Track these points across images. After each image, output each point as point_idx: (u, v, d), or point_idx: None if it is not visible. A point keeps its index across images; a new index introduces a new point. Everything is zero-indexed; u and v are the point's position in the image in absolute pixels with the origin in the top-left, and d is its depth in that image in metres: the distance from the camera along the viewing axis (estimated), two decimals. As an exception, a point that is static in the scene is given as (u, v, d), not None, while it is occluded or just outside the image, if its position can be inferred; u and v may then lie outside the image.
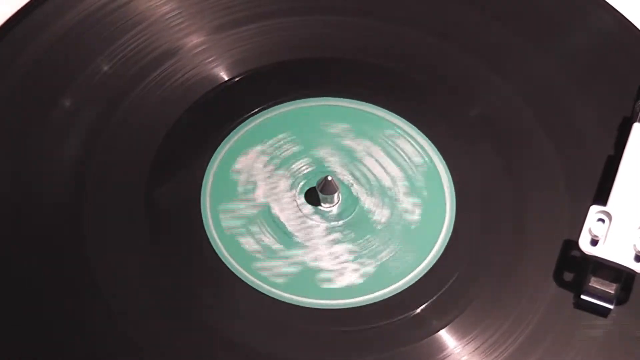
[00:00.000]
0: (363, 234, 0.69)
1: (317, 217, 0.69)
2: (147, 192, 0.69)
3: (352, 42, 0.75)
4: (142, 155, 0.70)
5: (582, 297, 0.65)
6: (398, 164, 0.71)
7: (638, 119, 0.69)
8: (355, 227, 0.69)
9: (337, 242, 0.68)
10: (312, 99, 0.73)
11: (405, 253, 0.68)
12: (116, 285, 0.65)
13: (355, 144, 0.72)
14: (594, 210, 0.65)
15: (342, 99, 0.73)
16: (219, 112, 0.72)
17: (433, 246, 0.68)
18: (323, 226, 0.69)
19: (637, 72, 0.73)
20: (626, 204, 0.65)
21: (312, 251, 0.68)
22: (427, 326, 0.65)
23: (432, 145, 0.72)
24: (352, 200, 0.70)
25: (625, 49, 0.75)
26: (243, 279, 0.66)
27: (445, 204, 0.70)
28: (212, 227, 0.68)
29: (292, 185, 0.70)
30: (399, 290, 0.66)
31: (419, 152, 0.72)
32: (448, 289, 0.66)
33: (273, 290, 0.66)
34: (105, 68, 0.73)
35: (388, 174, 0.71)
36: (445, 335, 0.64)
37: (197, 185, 0.69)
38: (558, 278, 0.66)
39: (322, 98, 0.73)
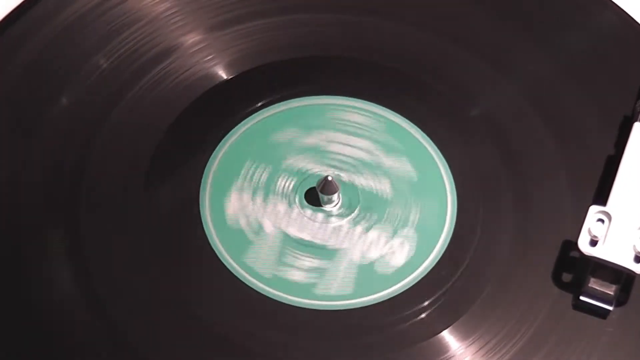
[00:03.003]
0: (382, 209, 0.68)
1: (334, 219, 0.67)
2: (145, 191, 0.67)
3: (348, 40, 0.74)
4: (140, 154, 0.69)
5: (581, 298, 0.65)
6: (360, 136, 0.71)
7: (639, 118, 0.68)
8: (371, 208, 0.68)
9: (368, 229, 0.67)
10: (257, 113, 0.72)
11: (428, 205, 0.68)
12: (115, 285, 0.64)
13: (312, 140, 0.70)
14: (594, 211, 0.64)
15: (286, 102, 0.72)
16: (219, 111, 0.71)
17: (445, 191, 0.68)
18: (345, 223, 0.67)
19: (638, 71, 0.73)
20: (626, 204, 0.64)
21: (353, 250, 0.66)
22: (429, 327, 0.64)
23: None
24: (350, 188, 0.69)
25: (626, 48, 0.74)
26: (310, 307, 0.64)
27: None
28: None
29: (291, 204, 0.68)
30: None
31: (368, 116, 0.71)
32: (449, 290, 0.65)
33: (345, 302, 0.64)
34: (103, 66, 0.72)
35: (360, 148, 0.70)
36: (448, 337, 0.64)
37: (196, 185, 0.68)
38: (557, 279, 0.66)
39: (265, 109, 0.72)
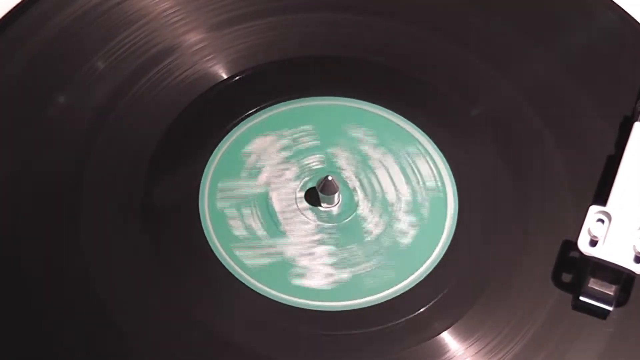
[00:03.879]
0: (350, 241, 0.67)
1: (310, 215, 0.68)
2: (145, 191, 0.68)
3: (353, 40, 0.74)
4: (139, 154, 0.69)
5: (581, 298, 0.64)
6: (409, 182, 0.70)
7: (639, 118, 0.68)
8: (345, 232, 0.68)
9: (322, 243, 0.67)
10: (334, 97, 0.72)
11: (384, 271, 0.66)
12: (114, 286, 0.64)
13: (372, 152, 0.71)
14: (594, 211, 0.64)
15: (366, 103, 0.72)
16: (218, 111, 0.72)
17: (414, 271, 0.66)
18: (313, 224, 0.68)
19: (638, 71, 0.73)
20: (626, 205, 0.64)
21: (293, 246, 0.67)
22: (429, 329, 0.64)
23: (449, 169, 0.70)
24: (351, 206, 0.69)
25: (626, 48, 0.74)
26: (220, 258, 0.66)
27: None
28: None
29: (297, 178, 0.70)
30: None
31: (434, 175, 0.70)
32: (450, 291, 0.65)
33: (243, 274, 0.66)
34: (103, 66, 0.73)
35: (396, 189, 0.69)
36: (447, 338, 0.64)
37: (195, 184, 0.69)
38: (557, 279, 0.65)
39: (343, 98, 0.73)
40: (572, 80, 0.73)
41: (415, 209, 0.69)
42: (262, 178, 0.69)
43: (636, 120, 0.68)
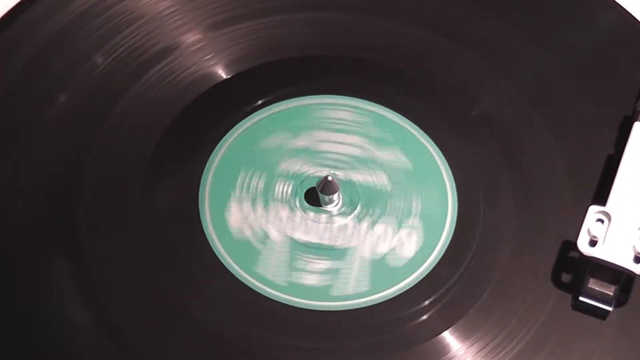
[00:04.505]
0: (384, 203, 0.68)
1: (338, 219, 0.67)
2: (144, 191, 0.67)
3: (349, 40, 0.74)
4: (139, 154, 0.68)
5: (581, 298, 0.64)
6: (349, 132, 0.70)
7: (639, 118, 0.68)
8: (372, 203, 0.68)
9: (373, 224, 0.67)
10: (244, 120, 0.71)
11: (428, 192, 0.68)
12: (113, 286, 0.63)
13: (302, 142, 0.70)
14: (593, 211, 0.63)
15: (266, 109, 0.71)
16: (218, 110, 0.70)
17: (442, 176, 0.68)
18: (349, 221, 0.67)
19: (638, 71, 0.73)
20: (626, 205, 0.64)
21: (362, 247, 0.66)
22: (430, 329, 0.64)
23: (356, 99, 0.71)
24: (348, 185, 0.68)
25: (626, 48, 0.74)
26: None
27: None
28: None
29: (292, 209, 0.67)
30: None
31: (354, 112, 0.71)
32: (450, 291, 0.65)
33: (363, 300, 0.64)
34: (102, 66, 0.71)
35: (351, 145, 0.70)
36: (449, 337, 0.63)
37: (195, 184, 0.67)
38: (556, 279, 0.65)
39: (253, 115, 0.71)
40: (572, 80, 0.72)
41: (378, 141, 0.70)
42: (274, 235, 0.66)
43: (636, 120, 0.67)
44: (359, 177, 0.68)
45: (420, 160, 0.69)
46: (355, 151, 0.69)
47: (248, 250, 0.65)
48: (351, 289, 0.64)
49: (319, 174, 0.68)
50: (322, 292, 0.64)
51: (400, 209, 0.67)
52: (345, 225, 0.67)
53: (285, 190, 0.68)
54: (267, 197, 0.67)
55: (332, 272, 0.65)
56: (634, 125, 0.67)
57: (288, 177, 0.68)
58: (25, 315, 0.62)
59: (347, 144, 0.70)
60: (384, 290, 0.64)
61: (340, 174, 0.68)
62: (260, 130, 0.70)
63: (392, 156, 0.69)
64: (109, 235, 0.65)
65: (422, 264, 0.65)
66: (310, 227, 0.66)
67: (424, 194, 0.68)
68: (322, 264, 0.65)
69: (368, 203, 0.67)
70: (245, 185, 0.68)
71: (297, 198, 0.67)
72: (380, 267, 0.65)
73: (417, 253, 0.65)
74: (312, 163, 0.69)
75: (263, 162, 0.69)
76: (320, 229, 0.66)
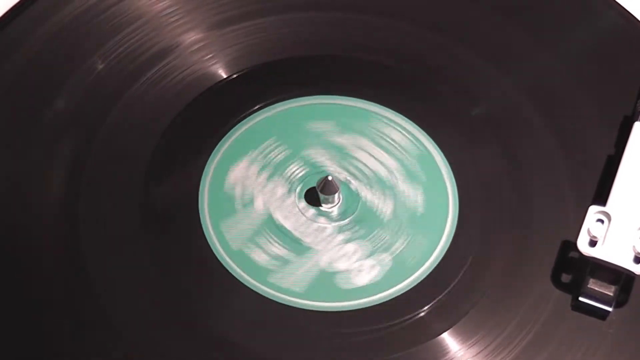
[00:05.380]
0: (372, 228, 0.67)
1: (322, 219, 0.67)
2: (144, 191, 0.67)
3: (349, 38, 0.74)
4: (139, 153, 0.68)
5: (580, 299, 0.64)
6: (390, 153, 0.70)
7: (639, 118, 0.68)
8: (362, 223, 0.67)
9: (348, 240, 0.67)
10: (294, 99, 0.71)
11: (418, 240, 0.67)
12: (113, 288, 0.64)
13: (343, 140, 0.70)
14: (593, 211, 0.63)
15: (325, 96, 0.72)
16: (218, 110, 0.71)
17: (443, 230, 0.67)
18: (330, 227, 0.67)
19: (638, 70, 0.73)
20: (626, 205, 0.64)
21: (324, 254, 0.66)
22: (430, 330, 0.63)
23: (420, 129, 0.71)
24: (353, 197, 0.68)
25: (627, 47, 0.74)
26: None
27: (445, 186, 0.69)
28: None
29: (290, 191, 0.68)
30: (420, 279, 0.65)
31: (408, 138, 0.70)
32: (450, 291, 0.65)
33: (293, 299, 0.64)
34: (101, 66, 0.72)
35: (382, 164, 0.69)
36: (448, 339, 0.63)
37: (195, 184, 0.68)
38: (556, 280, 0.65)
39: (304, 98, 0.72)
40: (572, 80, 0.72)
41: (409, 174, 0.69)
42: (258, 205, 0.68)
43: (636, 120, 0.67)
44: (368, 195, 0.68)
45: (434, 211, 0.68)
46: (383, 172, 0.69)
47: (227, 206, 0.67)
48: (287, 284, 0.65)
49: (336, 173, 0.69)
50: (262, 273, 0.65)
51: (383, 241, 0.66)
52: (324, 229, 0.67)
53: (296, 172, 0.69)
54: (276, 170, 0.69)
55: (282, 261, 0.66)
56: (634, 125, 0.67)
57: (308, 163, 0.69)
58: (25, 315, 0.62)
59: (380, 162, 0.69)
60: (314, 300, 0.64)
61: (354, 184, 0.69)
62: (313, 112, 0.71)
63: (411, 193, 0.68)
64: (109, 235, 0.65)
65: (370, 296, 0.65)
66: (293, 214, 0.67)
67: (415, 239, 0.67)
68: (278, 250, 0.66)
69: (358, 220, 0.67)
70: (267, 151, 0.69)
71: (301, 185, 0.68)
72: (325, 280, 0.65)
73: (367, 286, 0.65)
74: (337, 162, 0.69)
75: (297, 139, 0.70)
76: (300, 221, 0.67)
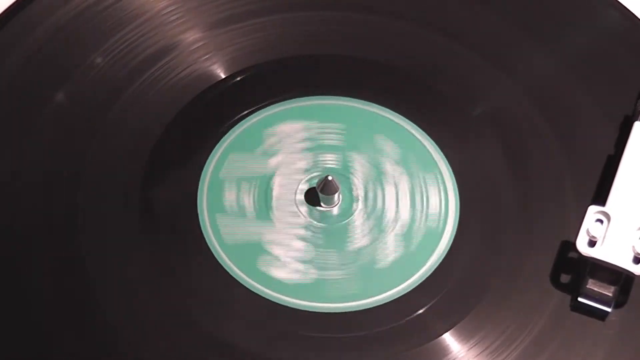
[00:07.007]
0: (330, 246, 0.66)
1: (303, 209, 0.67)
2: (143, 190, 0.67)
3: (349, 39, 0.73)
4: (138, 153, 0.69)
5: (580, 299, 0.64)
6: (413, 208, 0.68)
7: (639, 117, 0.67)
8: (329, 236, 0.66)
9: (302, 238, 0.66)
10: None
11: (350, 284, 0.64)
12: (112, 287, 0.64)
13: (391, 168, 0.69)
14: (593, 211, 0.63)
15: (396, 114, 0.71)
16: (217, 110, 0.71)
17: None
18: (302, 219, 0.67)
19: (638, 70, 0.73)
20: (625, 205, 0.64)
21: (274, 233, 0.66)
22: (430, 330, 0.63)
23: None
24: (346, 213, 0.67)
25: (627, 47, 0.74)
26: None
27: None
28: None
29: (307, 171, 0.69)
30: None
31: (440, 209, 0.68)
32: (451, 292, 0.64)
33: (216, 245, 0.66)
34: (101, 65, 0.72)
35: (397, 211, 0.67)
36: (448, 339, 0.63)
37: (194, 183, 0.68)
38: (555, 280, 0.65)
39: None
40: (572, 80, 0.72)
41: (407, 235, 0.66)
42: (274, 161, 0.69)
43: (636, 120, 0.67)
44: (358, 221, 0.67)
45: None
46: (389, 216, 0.67)
47: (252, 142, 0.69)
48: (225, 230, 0.66)
49: (357, 189, 0.68)
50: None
51: (322, 261, 0.65)
52: (296, 215, 0.67)
53: (327, 162, 0.69)
54: (316, 149, 0.69)
55: (241, 213, 0.66)
56: (634, 125, 0.67)
57: (344, 162, 0.69)
58: (25, 315, 0.62)
59: (397, 210, 0.67)
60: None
61: (358, 206, 0.67)
62: (382, 127, 0.70)
63: (390, 247, 0.66)
64: (108, 233, 0.66)
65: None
66: (288, 189, 0.68)
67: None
68: (247, 202, 0.67)
69: (328, 233, 0.66)
70: (327, 130, 0.70)
71: (319, 173, 0.68)
72: (249, 252, 0.65)
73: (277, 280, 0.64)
74: (365, 180, 0.68)
75: (358, 140, 0.70)
76: (287, 197, 0.67)
